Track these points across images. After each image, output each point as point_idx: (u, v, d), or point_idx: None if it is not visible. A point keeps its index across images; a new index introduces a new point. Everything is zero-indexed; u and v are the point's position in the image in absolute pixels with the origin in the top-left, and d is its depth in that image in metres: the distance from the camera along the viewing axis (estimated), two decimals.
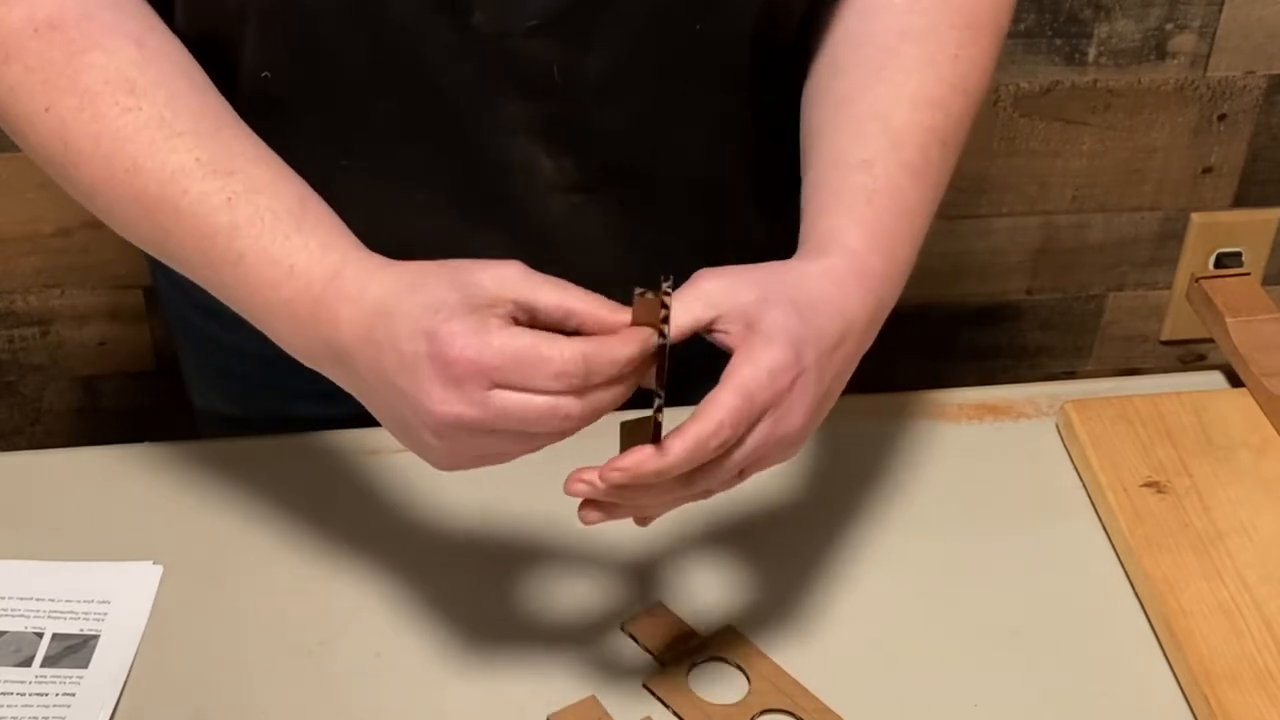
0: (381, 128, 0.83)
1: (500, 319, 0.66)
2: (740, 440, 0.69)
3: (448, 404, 0.66)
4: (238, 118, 0.75)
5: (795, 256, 0.75)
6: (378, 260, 0.71)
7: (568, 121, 0.83)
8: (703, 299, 0.70)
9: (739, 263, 0.98)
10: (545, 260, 0.88)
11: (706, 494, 0.72)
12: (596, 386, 0.67)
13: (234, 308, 0.74)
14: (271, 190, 0.72)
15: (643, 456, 0.67)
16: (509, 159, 0.84)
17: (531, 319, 0.68)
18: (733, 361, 0.69)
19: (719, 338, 0.70)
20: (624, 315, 0.68)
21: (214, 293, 0.75)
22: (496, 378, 0.65)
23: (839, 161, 0.78)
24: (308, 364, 0.73)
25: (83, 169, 0.73)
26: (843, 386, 0.74)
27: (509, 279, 0.68)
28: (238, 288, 0.72)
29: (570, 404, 0.66)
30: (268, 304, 0.71)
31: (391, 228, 0.87)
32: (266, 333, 0.74)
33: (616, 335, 0.67)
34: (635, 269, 0.92)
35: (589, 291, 0.69)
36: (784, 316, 0.70)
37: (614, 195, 0.87)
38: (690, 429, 0.67)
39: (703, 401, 0.68)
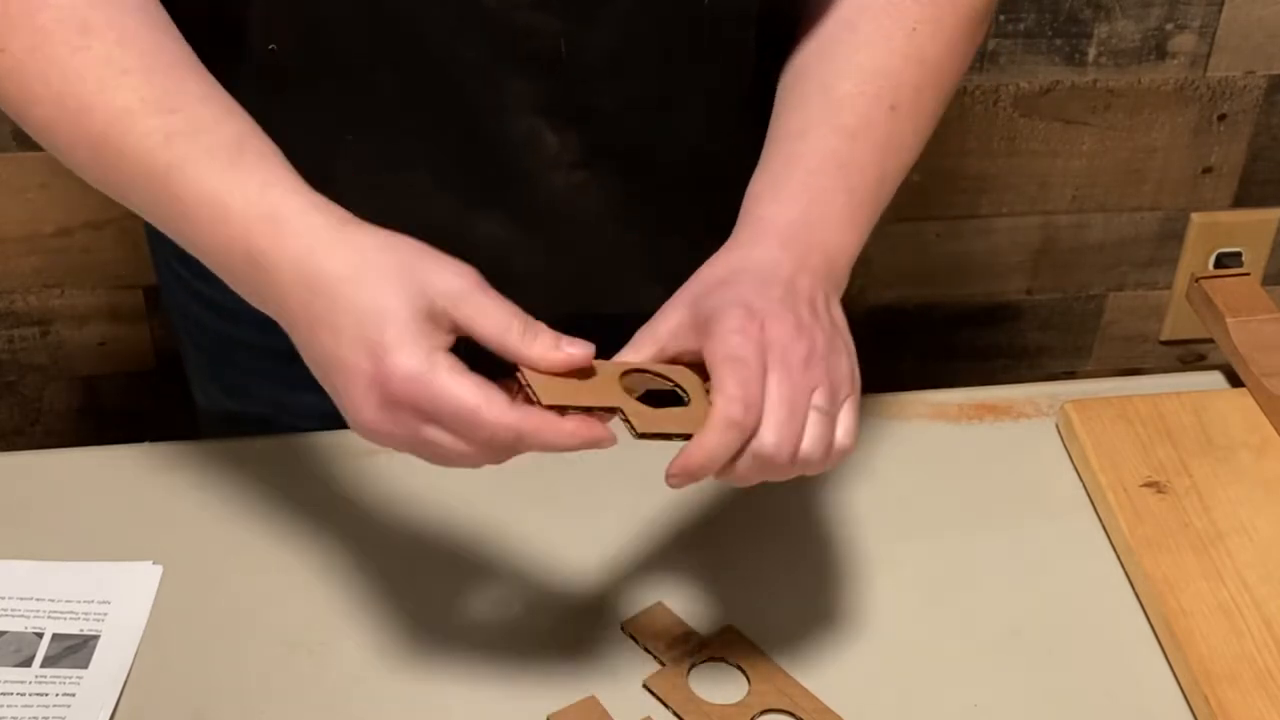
0: (385, 103, 0.83)
1: (446, 351, 0.67)
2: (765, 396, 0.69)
3: (377, 422, 0.67)
4: (192, 56, 0.74)
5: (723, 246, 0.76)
6: (321, 216, 0.69)
7: (572, 97, 0.83)
8: (651, 345, 0.72)
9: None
10: (545, 238, 0.88)
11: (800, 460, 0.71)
12: None
13: (186, 249, 0.74)
14: (212, 129, 0.71)
15: (692, 453, 0.68)
16: (513, 135, 0.84)
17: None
18: (706, 353, 0.70)
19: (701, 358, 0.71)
20: (558, 356, 0.68)
21: (168, 235, 0.74)
22: (433, 418, 0.66)
23: (775, 135, 0.79)
24: (254, 305, 0.73)
25: (36, 109, 0.73)
26: (829, 307, 0.74)
27: (456, 296, 0.67)
28: (182, 227, 0.72)
29: (489, 461, 0.68)
30: (209, 245, 0.71)
31: (393, 204, 0.87)
32: (217, 274, 0.73)
33: (564, 426, 0.67)
34: (636, 246, 0.92)
35: (529, 323, 0.68)
36: (718, 295, 0.71)
37: (617, 172, 0.87)
38: (709, 428, 0.68)
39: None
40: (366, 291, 0.67)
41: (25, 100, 0.73)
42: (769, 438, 0.68)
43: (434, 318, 0.67)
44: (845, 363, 0.73)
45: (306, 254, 0.68)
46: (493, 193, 0.87)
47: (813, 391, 0.70)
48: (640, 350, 0.72)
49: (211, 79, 0.74)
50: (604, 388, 0.69)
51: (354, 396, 0.67)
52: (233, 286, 0.73)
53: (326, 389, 0.70)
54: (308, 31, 0.81)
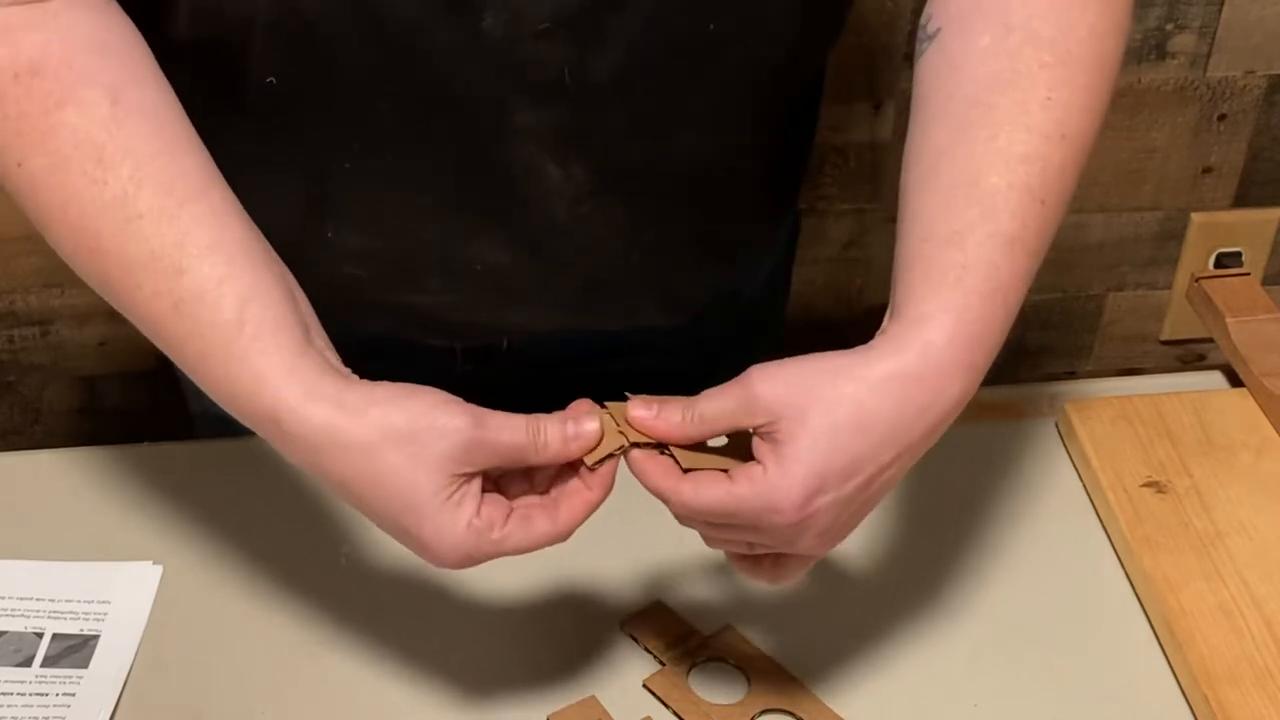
0: (386, 133, 0.83)
1: (480, 506, 0.70)
2: (717, 525, 0.71)
3: (442, 566, 0.72)
4: (205, 179, 0.73)
5: (873, 343, 0.71)
6: (316, 414, 0.69)
7: (576, 126, 0.83)
8: (745, 405, 0.69)
9: (745, 258, 0.98)
10: (546, 260, 0.88)
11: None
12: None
13: None
14: (215, 298, 0.71)
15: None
16: (515, 164, 0.84)
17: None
18: (746, 475, 0.69)
19: (756, 440, 0.70)
20: (576, 446, 0.71)
21: None
22: (495, 556, 0.71)
23: (928, 235, 0.73)
24: None
25: (52, 230, 0.74)
26: (883, 496, 0.72)
27: (461, 456, 0.69)
28: (196, 379, 0.74)
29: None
30: (225, 408, 0.73)
31: (393, 231, 0.87)
32: None
33: (592, 497, 0.72)
34: (638, 267, 0.92)
35: (537, 431, 0.70)
36: (811, 447, 0.68)
37: (620, 198, 0.87)
38: (667, 480, 0.70)
39: (701, 476, 0.70)
40: (386, 493, 0.69)
41: (43, 219, 0.74)
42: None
43: (455, 484, 0.69)
44: (825, 544, 0.72)
45: (315, 457, 0.70)
46: (494, 219, 0.86)
47: (754, 549, 0.72)
48: (724, 398, 0.70)
49: (220, 209, 0.73)
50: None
51: (412, 550, 0.72)
52: None
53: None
54: (307, 62, 0.80)
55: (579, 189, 0.85)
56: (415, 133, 0.83)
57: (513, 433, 0.70)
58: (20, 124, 0.72)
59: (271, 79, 0.81)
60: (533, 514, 0.71)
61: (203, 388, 0.73)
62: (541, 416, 0.71)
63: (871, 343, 0.71)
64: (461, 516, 0.69)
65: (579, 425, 0.71)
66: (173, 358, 0.74)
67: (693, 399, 0.71)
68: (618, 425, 0.71)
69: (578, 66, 0.80)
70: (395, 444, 0.68)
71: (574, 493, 0.72)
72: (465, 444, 0.69)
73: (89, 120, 0.71)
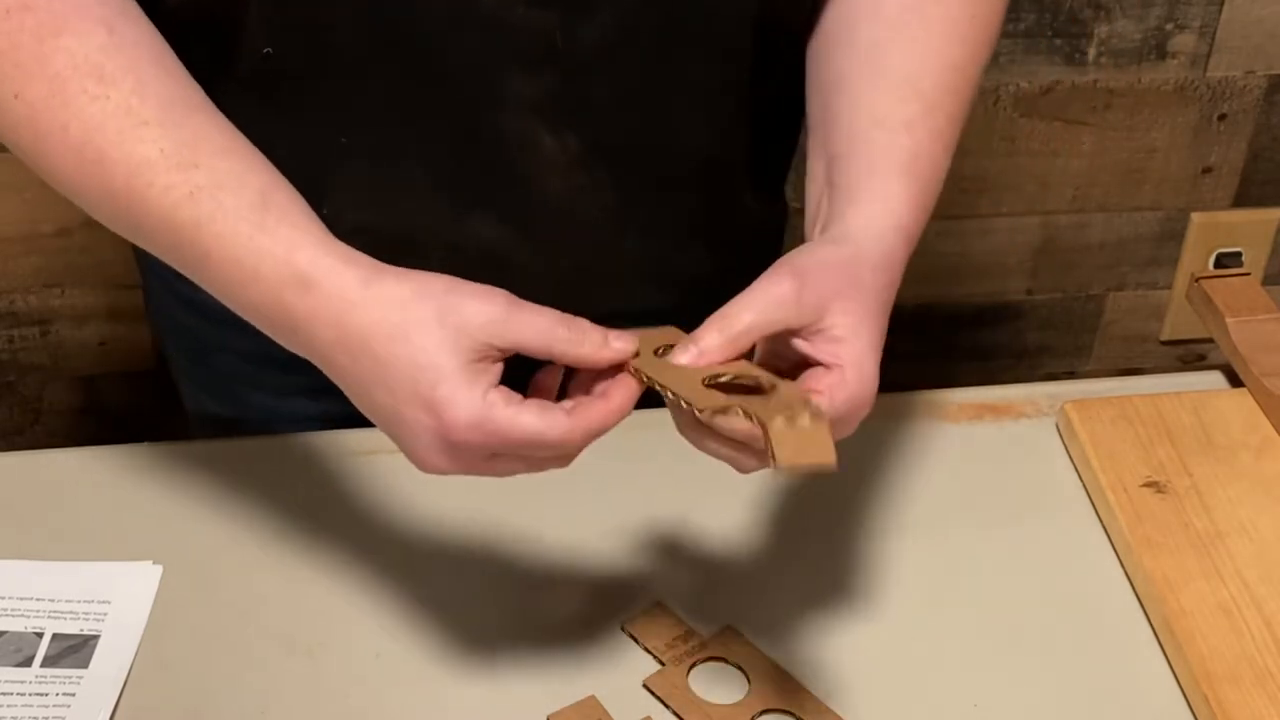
0: (381, 105, 0.83)
1: (497, 386, 0.68)
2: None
3: (444, 466, 0.70)
4: (208, 103, 0.74)
5: (849, 231, 0.76)
6: (351, 272, 0.69)
7: (568, 95, 0.83)
8: (752, 312, 0.71)
9: (736, 240, 0.98)
10: (542, 238, 0.88)
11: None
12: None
13: (216, 297, 0.74)
14: (236, 185, 0.70)
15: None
16: (509, 136, 0.84)
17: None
18: (834, 383, 0.71)
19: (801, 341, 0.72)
20: (608, 353, 0.70)
21: (193, 280, 0.74)
22: (498, 452, 0.69)
23: (882, 121, 0.80)
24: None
25: (53, 158, 0.72)
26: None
27: (494, 326, 0.68)
28: (210, 283, 0.72)
29: (564, 461, 0.71)
30: (239, 302, 0.72)
31: (389, 207, 0.87)
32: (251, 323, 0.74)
33: (612, 405, 0.69)
34: (633, 247, 0.92)
35: (572, 325, 0.69)
36: (825, 278, 0.72)
37: (614, 174, 0.87)
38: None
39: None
40: (412, 348, 0.68)
41: (43, 150, 0.73)
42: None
43: (479, 354, 0.68)
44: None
45: (343, 315, 0.69)
46: (489, 194, 0.86)
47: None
48: (742, 317, 0.71)
49: (230, 127, 0.73)
50: (703, 393, 0.70)
51: (419, 448, 0.69)
52: (270, 336, 0.73)
53: (386, 435, 0.72)
54: (305, 33, 0.80)
55: (572, 161, 0.85)
56: (410, 105, 0.83)
57: (549, 317, 0.69)
58: (15, 55, 0.71)
59: (268, 50, 0.81)
60: (549, 407, 0.69)
61: (211, 278, 0.72)
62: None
63: (846, 229, 0.76)
64: (481, 382, 0.68)
65: (619, 336, 0.70)
66: (179, 254, 0.72)
67: (724, 316, 0.71)
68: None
69: (568, 34, 0.80)
70: (431, 300, 0.68)
71: (591, 402, 0.70)
72: (500, 315, 0.68)
73: (87, 45, 0.71)
